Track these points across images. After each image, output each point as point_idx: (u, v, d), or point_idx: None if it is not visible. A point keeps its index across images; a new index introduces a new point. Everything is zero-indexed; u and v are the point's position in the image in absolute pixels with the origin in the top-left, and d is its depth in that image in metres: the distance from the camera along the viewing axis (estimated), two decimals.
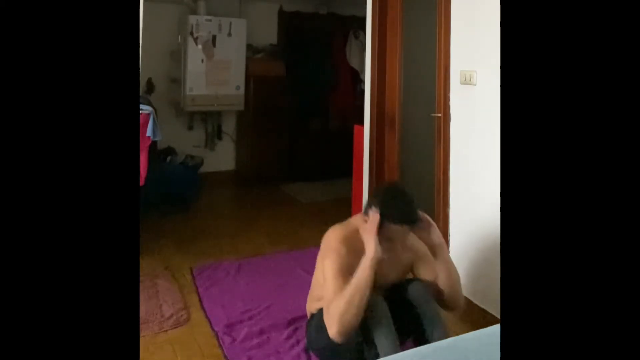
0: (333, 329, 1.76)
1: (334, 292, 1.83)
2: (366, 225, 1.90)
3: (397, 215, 1.88)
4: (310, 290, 2.22)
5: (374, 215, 1.88)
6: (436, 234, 2.01)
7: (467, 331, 1.69)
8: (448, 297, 2.00)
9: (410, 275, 2.14)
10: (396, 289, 1.99)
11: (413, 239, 2.07)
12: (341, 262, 1.88)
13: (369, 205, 1.95)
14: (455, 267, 2.06)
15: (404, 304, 1.94)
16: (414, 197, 1.97)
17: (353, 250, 1.90)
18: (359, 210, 2.43)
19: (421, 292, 1.98)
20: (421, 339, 1.87)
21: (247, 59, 5.20)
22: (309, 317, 2.18)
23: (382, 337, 1.82)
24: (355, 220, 2.05)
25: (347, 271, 1.85)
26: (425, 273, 2.06)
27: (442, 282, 1.99)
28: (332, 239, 1.98)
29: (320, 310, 2.05)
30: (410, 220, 1.91)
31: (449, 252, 2.00)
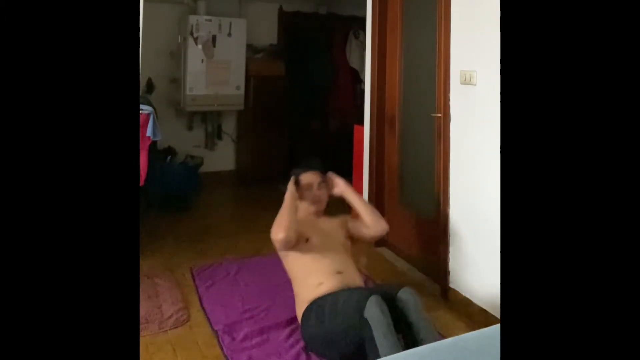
0: (276, 232, 2.30)
1: None
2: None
3: (304, 166, 2.60)
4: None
5: (290, 180, 2.53)
6: (338, 179, 2.59)
7: (467, 331, 1.69)
8: (374, 228, 2.49)
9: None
10: (386, 295, 2.01)
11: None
12: None
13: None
14: (363, 199, 2.69)
15: (393, 310, 1.95)
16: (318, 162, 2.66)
17: None
18: None
19: (410, 298, 2.01)
20: (412, 345, 1.88)
21: (247, 59, 5.19)
22: (301, 317, 2.20)
23: (381, 335, 1.83)
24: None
25: None
26: (358, 225, 2.54)
27: (366, 220, 2.50)
28: None
29: (318, 299, 2.13)
30: (313, 165, 2.57)
31: (353, 190, 2.61)
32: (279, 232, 2.28)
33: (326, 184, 2.57)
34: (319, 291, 2.18)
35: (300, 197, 2.51)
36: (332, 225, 2.53)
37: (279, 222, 2.33)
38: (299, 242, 2.33)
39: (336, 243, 2.44)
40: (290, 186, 2.51)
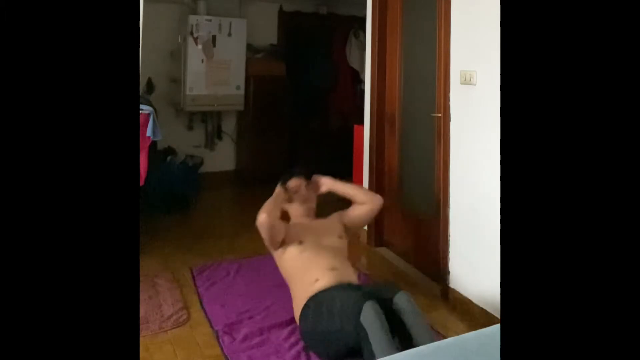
0: (259, 214, 2.33)
1: None
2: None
3: (288, 173, 2.73)
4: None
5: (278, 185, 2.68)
6: (324, 179, 2.69)
7: (467, 331, 1.69)
8: (370, 204, 2.63)
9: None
10: (382, 300, 2.01)
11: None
12: None
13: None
14: (351, 184, 2.81)
15: (390, 314, 1.96)
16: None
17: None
18: None
19: (407, 302, 2.02)
20: (409, 348, 1.89)
21: (247, 59, 5.19)
22: (298, 316, 2.21)
23: (377, 340, 1.83)
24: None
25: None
26: (352, 211, 2.65)
27: (361, 199, 2.64)
28: None
29: (315, 297, 2.15)
30: (297, 172, 2.71)
31: (339, 181, 2.72)
32: (261, 213, 2.35)
33: (312, 185, 2.71)
34: (315, 288, 2.20)
35: (290, 200, 2.64)
36: (326, 224, 2.62)
37: (263, 207, 2.41)
38: (291, 243, 2.39)
39: (330, 241, 2.50)
40: (278, 187, 2.69)
